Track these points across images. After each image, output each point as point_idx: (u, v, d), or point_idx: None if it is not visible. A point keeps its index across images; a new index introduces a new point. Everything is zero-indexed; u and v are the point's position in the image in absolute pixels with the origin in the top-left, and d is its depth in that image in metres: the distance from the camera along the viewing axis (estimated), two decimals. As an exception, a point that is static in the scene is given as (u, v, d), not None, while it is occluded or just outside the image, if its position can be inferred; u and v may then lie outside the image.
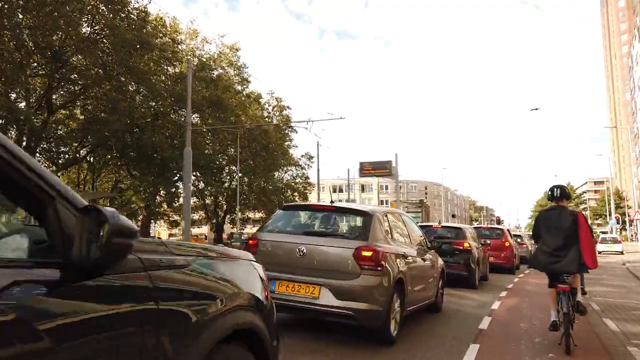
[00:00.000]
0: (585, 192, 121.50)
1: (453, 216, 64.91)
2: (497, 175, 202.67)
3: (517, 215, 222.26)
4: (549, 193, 5.60)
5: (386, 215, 5.67)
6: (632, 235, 65.10)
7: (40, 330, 1.04)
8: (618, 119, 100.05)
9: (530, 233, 29.47)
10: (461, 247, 10.16)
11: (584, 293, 8.49)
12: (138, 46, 22.80)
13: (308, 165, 50.47)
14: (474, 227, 15.10)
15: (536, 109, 20.70)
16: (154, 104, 27.93)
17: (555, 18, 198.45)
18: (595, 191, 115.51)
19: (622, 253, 30.52)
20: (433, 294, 6.67)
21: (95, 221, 1.16)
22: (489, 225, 19.38)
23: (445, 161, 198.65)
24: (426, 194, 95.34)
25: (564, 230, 5.11)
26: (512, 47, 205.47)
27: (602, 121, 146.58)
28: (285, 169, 48.80)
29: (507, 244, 14.78)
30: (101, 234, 1.14)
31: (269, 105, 38.59)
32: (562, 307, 5.05)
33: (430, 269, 6.52)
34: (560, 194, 5.41)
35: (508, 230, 16.61)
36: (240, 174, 37.44)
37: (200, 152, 29.81)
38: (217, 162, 35.31)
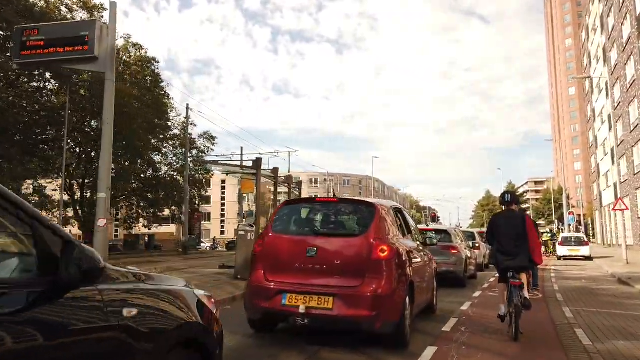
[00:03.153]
0: (526, 192, 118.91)
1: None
2: (439, 173, 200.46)
3: (457, 214, 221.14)
4: (501, 199, 6.12)
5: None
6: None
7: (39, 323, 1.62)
8: (561, 116, 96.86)
9: (470, 230, 19.06)
10: None
11: (535, 285, 9.49)
12: None
13: (209, 148, 40.12)
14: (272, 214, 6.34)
15: None
16: None
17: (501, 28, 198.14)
18: (537, 191, 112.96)
19: (590, 258, 21.93)
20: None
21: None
22: (320, 197, 6.57)
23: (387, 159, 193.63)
24: (360, 189, 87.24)
25: (515, 232, 5.70)
26: (462, 53, 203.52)
27: (544, 115, 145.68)
28: (178, 150, 38.30)
29: (382, 253, 4.62)
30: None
31: (125, 56, 27.90)
32: (514, 299, 5.45)
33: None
34: (510, 199, 6.00)
35: (396, 211, 5.95)
36: (74, 148, 26.70)
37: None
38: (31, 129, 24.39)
